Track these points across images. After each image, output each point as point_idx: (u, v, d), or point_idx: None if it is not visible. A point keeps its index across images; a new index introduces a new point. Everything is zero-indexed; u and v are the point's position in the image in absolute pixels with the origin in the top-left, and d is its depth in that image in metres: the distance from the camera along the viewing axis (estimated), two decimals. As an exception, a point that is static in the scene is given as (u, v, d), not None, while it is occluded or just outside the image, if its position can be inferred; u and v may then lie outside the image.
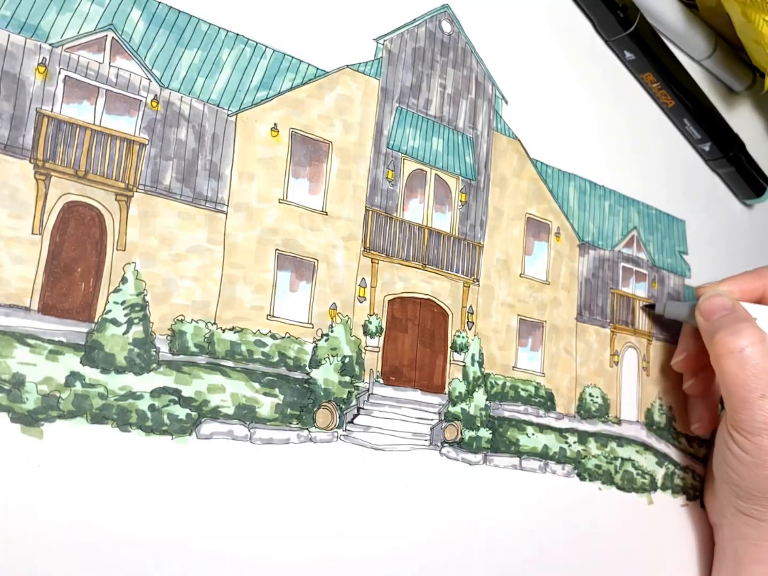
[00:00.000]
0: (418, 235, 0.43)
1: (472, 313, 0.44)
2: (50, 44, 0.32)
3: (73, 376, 0.31)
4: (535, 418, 0.46)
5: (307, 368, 0.38)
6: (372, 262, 0.41)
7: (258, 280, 0.37)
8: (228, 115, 0.37)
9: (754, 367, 0.41)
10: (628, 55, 0.54)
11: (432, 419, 0.41)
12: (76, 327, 0.32)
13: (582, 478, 0.47)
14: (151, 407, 0.33)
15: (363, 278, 0.40)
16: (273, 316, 0.37)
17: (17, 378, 0.30)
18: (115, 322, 0.33)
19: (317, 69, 0.40)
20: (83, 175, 0.33)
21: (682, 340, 0.51)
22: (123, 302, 0.33)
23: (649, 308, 0.52)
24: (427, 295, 0.43)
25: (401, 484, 0.39)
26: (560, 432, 0.47)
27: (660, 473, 0.52)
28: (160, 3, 0.35)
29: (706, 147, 0.59)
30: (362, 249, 0.41)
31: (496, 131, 0.47)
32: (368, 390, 0.40)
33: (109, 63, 0.34)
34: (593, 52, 0.54)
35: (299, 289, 0.38)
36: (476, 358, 0.44)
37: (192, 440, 0.34)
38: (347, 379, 0.39)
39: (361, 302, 0.40)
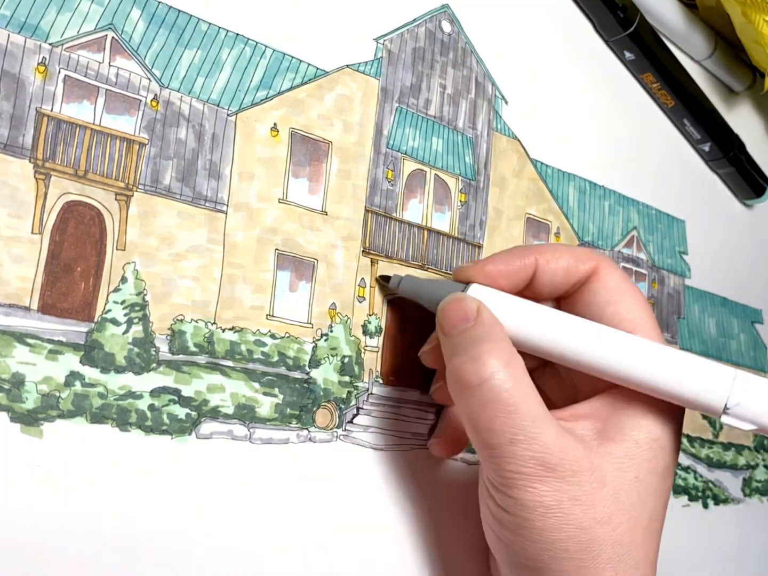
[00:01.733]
0: (418, 235, 0.43)
1: (471, 313, 0.44)
2: (50, 44, 0.32)
3: (73, 376, 0.31)
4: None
5: (307, 368, 0.38)
6: (371, 262, 0.41)
7: (258, 280, 0.37)
8: (228, 115, 0.37)
9: (497, 404, 0.30)
10: (628, 55, 0.54)
11: (431, 419, 0.41)
12: (76, 326, 0.32)
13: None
14: (151, 407, 0.33)
15: (362, 278, 0.40)
16: (273, 316, 0.37)
17: (17, 377, 0.30)
18: (114, 322, 0.33)
19: (317, 69, 0.40)
20: (83, 174, 0.33)
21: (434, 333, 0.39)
22: (123, 302, 0.33)
23: (383, 280, 0.40)
24: (426, 295, 0.43)
25: (401, 484, 0.39)
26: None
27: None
28: (160, 3, 0.35)
29: (706, 147, 0.59)
30: (362, 249, 0.41)
31: (496, 131, 0.47)
32: (368, 390, 0.40)
33: (109, 62, 0.34)
34: (593, 52, 0.54)
35: (299, 288, 0.38)
36: (476, 358, 0.44)
37: (192, 440, 0.34)
38: (347, 379, 0.39)
39: (360, 302, 0.40)
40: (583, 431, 0.33)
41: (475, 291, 0.35)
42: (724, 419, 0.31)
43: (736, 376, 0.31)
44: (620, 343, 0.33)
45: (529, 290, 0.36)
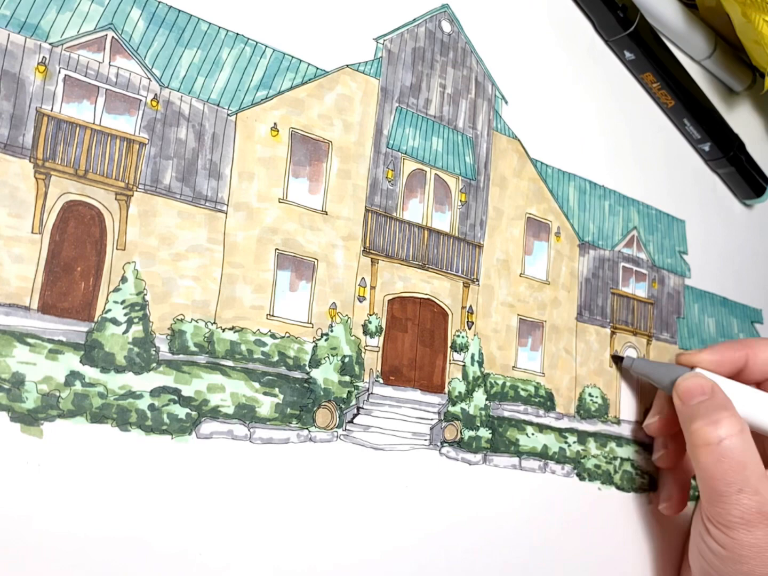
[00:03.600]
0: (418, 235, 0.43)
1: (471, 313, 0.44)
2: (50, 43, 0.32)
3: (73, 376, 0.31)
4: (535, 417, 0.46)
5: (307, 368, 0.38)
6: (372, 261, 0.41)
7: (258, 280, 0.37)
8: (228, 115, 0.37)
9: (731, 460, 0.39)
10: (628, 55, 0.54)
11: (432, 419, 0.41)
12: (76, 326, 0.32)
13: (581, 478, 0.47)
14: (151, 407, 0.33)
15: (363, 278, 0.40)
16: (273, 316, 0.37)
17: (17, 377, 0.30)
18: (114, 322, 0.33)
19: (317, 69, 0.40)
20: (83, 174, 0.33)
21: (657, 403, 0.48)
22: (123, 301, 0.33)
23: (616, 359, 0.50)
24: (426, 294, 0.43)
25: (401, 484, 0.39)
26: (560, 432, 0.47)
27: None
28: (160, 2, 0.35)
29: (706, 147, 0.59)
30: (362, 249, 0.41)
31: (496, 131, 0.47)
32: (368, 390, 0.40)
33: (109, 62, 0.34)
34: (593, 52, 0.54)
35: (299, 288, 0.38)
36: (476, 357, 0.44)
37: (192, 440, 0.34)
38: (347, 378, 0.39)
39: (360, 302, 0.40)
40: None
41: (705, 372, 0.44)
42: None
43: None
44: None
45: (742, 377, 0.45)
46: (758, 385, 0.46)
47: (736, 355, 0.45)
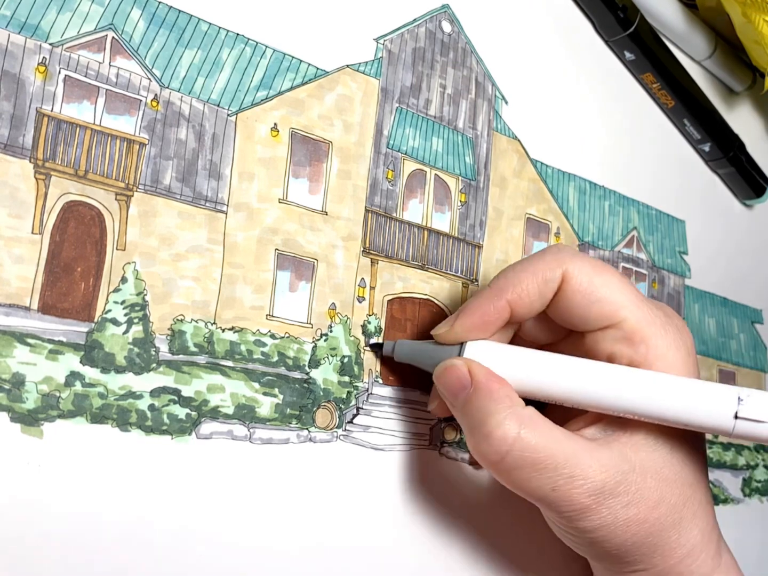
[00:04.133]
0: (418, 235, 0.43)
1: (471, 313, 0.44)
2: (50, 44, 0.32)
3: (73, 376, 0.31)
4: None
5: (307, 368, 0.38)
6: (371, 262, 0.41)
7: (258, 280, 0.37)
8: (228, 115, 0.37)
9: (525, 467, 0.31)
10: (628, 55, 0.54)
11: (431, 419, 0.41)
12: (76, 326, 0.32)
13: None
14: (151, 407, 0.33)
15: (362, 278, 0.41)
16: (272, 316, 0.37)
17: (17, 377, 0.30)
18: (114, 322, 0.33)
19: (317, 69, 0.40)
20: (83, 174, 0.33)
21: (434, 386, 0.38)
22: (123, 302, 0.33)
23: (375, 347, 0.40)
24: (426, 295, 0.43)
25: (401, 484, 0.39)
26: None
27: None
28: (160, 3, 0.35)
29: (706, 147, 0.59)
30: (362, 249, 0.41)
31: (496, 131, 0.47)
32: (367, 390, 0.40)
33: (109, 63, 0.34)
34: (593, 52, 0.54)
35: (299, 289, 0.38)
36: (476, 358, 0.44)
37: (192, 440, 0.34)
38: (346, 379, 0.39)
39: (360, 302, 0.40)
40: (605, 431, 0.34)
41: (471, 350, 0.35)
42: (738, 428, 0.31)
43: (740, 392, 0.32)
44: (620, 380, 0.33)
45: (518, 329, 0.38)
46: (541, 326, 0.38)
47: (496, 306, 0.35)
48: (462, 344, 0.36)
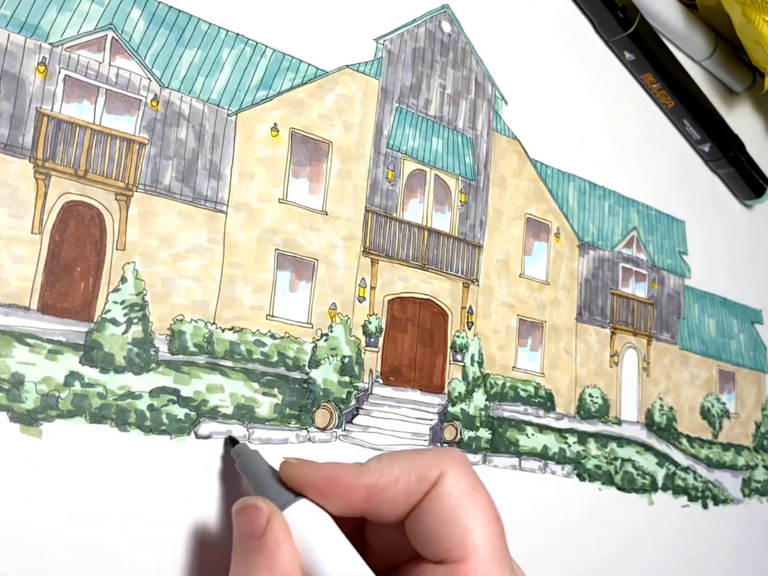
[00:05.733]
0: (418, 235, 0.43)
1: (471, 313, 0.44)
2: (50, 43, 0.32)
3: (73, 376, 0.31)
4: (535, 418, 0.46)
5: (307, 368, 0.38)
6: (372, 262, 0.41)
7: (258, 280, 0.37)
8: (228, 115, 0.37)
9: None
10: (628, 55, 0.54)
11: (431, 419, 0.41)
12: (76, 326, 0.32)
13: (582, 479, 0.47)
14: (150, 407, 0.33)
15: (363, 278, 0.40)
16: (272, 316, 0.37)
17: (16, 377, 0.30)
18: (114, 322, 0.33)
19: (317, 69, 0.40)
20: (83, 174, 0.33)
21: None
22: (122, 302, 0.33)
23: (231, 441, 0.34)
24: (426, 295, 0.43)
25: (401, 484, 0.39)
26: (560, 432, 0.47)
27: (661, 474, 0.52)
28: (160, 3, 0.35)
29: (706, 147, 0.59)
30: (362, 249, 0.41)
31: (496, 131, 0.47)
32: (367, 390, 0.40)
33: (109, 62, 0.34)
34: (593, 52, 0.54)
35: (299, 289, 0.38)
36: (476, 358, 0.44)
37: (191, 440, 0.34)
38: (346, 379, 0.39)
39: (360, 302, 0.40)
40: None
41: (298, 509, 0.30)
42: None
43: None
44: None
45: (368, 513, 0.30)
46: (384, 525, 0.31)
47: (352, 484, 0.30)
48: (299, 496, 0.30)
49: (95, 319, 0.32)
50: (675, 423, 0.54)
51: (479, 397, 0.43)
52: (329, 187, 0.40)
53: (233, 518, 0.30)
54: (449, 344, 0.43)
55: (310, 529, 0.29)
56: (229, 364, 0.35)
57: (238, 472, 0.33)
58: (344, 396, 0.38)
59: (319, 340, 0.38)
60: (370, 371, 0.40)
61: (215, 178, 0.36)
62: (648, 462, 0.51)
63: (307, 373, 0.37)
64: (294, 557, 0.28)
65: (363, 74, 0.42)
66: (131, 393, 0.32)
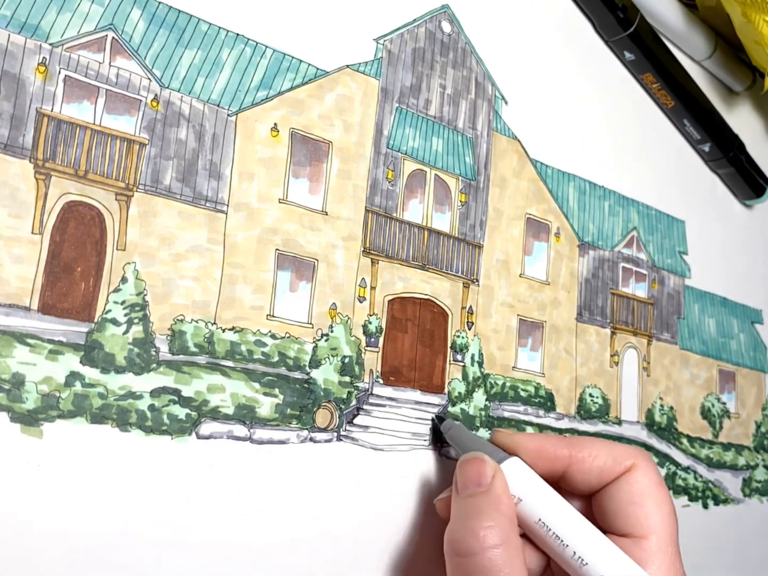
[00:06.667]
0: (418, 236, 0.43)
1: (471, 314, 0.44)
2: (50, 44, 0.32)
3: (73, 376, 0.31)
4: (535, 418, 0.46)
5: (307, 368, 0.38)
6: (372, 262, 0.41)
7: (258, 280, 0.37)
8: (228, 115, 0.37)
9: (478, 574, 0.31)
10: (628, 55, 0.54)
11: (431, 419, 0.41)
12: (76, 327, 0.32)
13: (582, 479, 0.47)
14: (151, 407, 0.33)
15: (363, 278, 0.40)
16: (273, 316, 0.37)
17: (17, 378, 0.30)
18: (114, 322, 0.33)
19: (317, 69, 0.40)
20: (83, 174, 0.33)
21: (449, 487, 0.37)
22: (123, 302, 0.33)
23: (438, 419, 0.41)
24: (426, 295, 0.43)
25: (401, 484, 0.39)
26: (560, 432, 0.47)
27: (661, 474, 0.52)
28: (160, 3, 0.35)
29: (706, 147, 0.59)
30: (362, 249, 0.41)
31: (496, 131, 0.47)
32: (368, 390, 0.40)
33: (109, 63, 0.34)
34: (593, 52, 0.54)
35: (299, 289, 0.38)
36: (476, 358, 0.44)
37: (192, 440, 0.34)
38: (347, 379, 0.39)
39: (361, 302, 0.40)
40: None
41: (511, 465, 0.35)
42: None
43: None
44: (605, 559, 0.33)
45: (563, 482, 0.37)
46: (574, 496, 0.37)
47: (557, 453, 0.36)
48: (505, 457, 0.36)
49: (96, 320, 0.32)
50: (675, 423, 0.54)
51: (479, 397, 0.43)
52: (329, 187, 0.40)
53: (458, 469, 0.35)
54: (449, 344, 0.43)
55: (523, 479, 0.35)
56: (230, 364, 0.35)
57: (448, 443, 0.40)
58: (345, 396, 0.38)
59: (319, 340, 0.38)
60: (371, 371, 0.40)
61: (215, 178, 0.36)
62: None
63: (307, 373, 0.37)
64: (512, 501, 0.34)
65: (363, 74, 0.42)
66: (132, 393, 0.32)
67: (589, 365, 0.50)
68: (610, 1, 0.51)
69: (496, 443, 0.37)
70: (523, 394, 0.46)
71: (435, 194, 0.44)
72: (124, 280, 0.33)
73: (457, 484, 0.35)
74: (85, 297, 0.32)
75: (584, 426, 0.48)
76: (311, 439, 0.37)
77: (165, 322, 0.34)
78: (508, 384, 0.45)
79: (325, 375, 0.38)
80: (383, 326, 0.41)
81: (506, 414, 0.44)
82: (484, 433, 0.43)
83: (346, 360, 0.39)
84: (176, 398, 0.33)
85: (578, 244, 0.51)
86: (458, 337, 0.44)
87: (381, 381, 0.40)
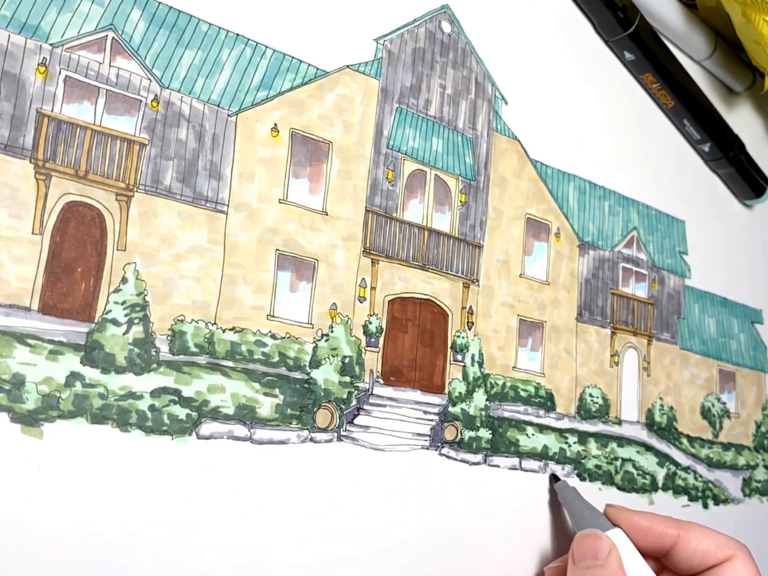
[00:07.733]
0: (418, 236, 0.43)
1: (472, 314, 0.44)
2: (50, 44, 0.32)
3: (73, 376, 0.31)
4: (535, 418, 0.46)
5: (307, 368, 0.38)
6: (372, 262, 0.41)
7: (258, 280, 0.37)
8: (228, 115, 0.37)
9: None
10: (628, 55, 0.54)
11: (432, 419, 0.41)
12: (77, 327, 0.32)
13: (582, 479, 0.47)
14: (151, 407, 0.33)
15: (363, 278, 0.40)
16: (273, 316, 0.37)
17: (17, 378, 0.30)
18: (115, 322, 0.33)
19: (317, 69, 0.40)
20: (83, 175, 0.33)
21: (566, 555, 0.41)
22: (123, 302, 0.33)
23: (553, 479, 0.45)
24: (426, 295, 0.43)
25: (401, 484, 0.39)
26: (560, 432, 0.47)
27: (661, 474, 0.52)
28: (160, 3, 0.35)
29: (706, 147, 0.59)
30: (362, 249, 0.41)
31: (496, 131, 0.47)
32: (368, 390, 0.40)
33: (110, 63, 0.34)
34: (593, 52, 0.54)
35: (299, 289, 0.38)
36: (476, 358, 0.44)
37: (192, 440, 0.34)
38: (347, 379, 0.39)
39: (361, 302, 0.40)
40: None
41: (616, 535, 0.38)
42: None
43: None
44: None
45: (666, 559, 0.40)
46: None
47: (667, 531, 0.39)
48: (608, 527, 0.39)
49: (96, 320, 0.32)
50: (675, 423, 0.54)
51: (479, 397, 0.43)
52: (329, 188, 0.40)
53: (576, 542, 0.38)
54: (449, 344, 0.43)
55: (624, 551, 0.37)
56: (230, 364, 0.35)
57: (559, 503, 0.44)
58: (345, 396, 0.38)
59: (319, 340, 0.38)
60: (371, 371, 0.40)
61: (215, 178, 0.36)
62: (648, 462, 0.51)
63: (308, 374, 0.37)
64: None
65: (363, 74, 0.42)
66: (132, 393, 0.32)
67: (589, 365, 0.50)
68: (610, 1, 0.51)
69: (608, 513, 0.41)
70: (523, 394, 0.46)
71: (435, 194, 0.44)
72: (124, 280, 0.33)
73: (573, 557, 0.38)
74: (85, 297, 0.32)
75: (584, 426, 0.48)
76: (311, 440, 0.37)
77: (165, 322, 0.34)
78: (508, 384, 0.45)
79: (326, 375, 0.38)
80: (383, 326, 0.41)
81: (506, 414, 0.44)
82: (485, 433, 0.43)
83: (347, 360, 0.39)
84: (176, 398, 0.33)
85: (578, 244, 0.51)
86: (458, 337, 0.44)
87: (381, 381, 0.40)
